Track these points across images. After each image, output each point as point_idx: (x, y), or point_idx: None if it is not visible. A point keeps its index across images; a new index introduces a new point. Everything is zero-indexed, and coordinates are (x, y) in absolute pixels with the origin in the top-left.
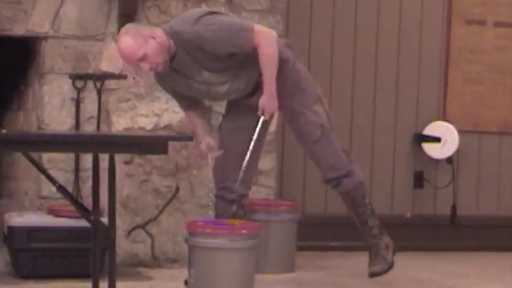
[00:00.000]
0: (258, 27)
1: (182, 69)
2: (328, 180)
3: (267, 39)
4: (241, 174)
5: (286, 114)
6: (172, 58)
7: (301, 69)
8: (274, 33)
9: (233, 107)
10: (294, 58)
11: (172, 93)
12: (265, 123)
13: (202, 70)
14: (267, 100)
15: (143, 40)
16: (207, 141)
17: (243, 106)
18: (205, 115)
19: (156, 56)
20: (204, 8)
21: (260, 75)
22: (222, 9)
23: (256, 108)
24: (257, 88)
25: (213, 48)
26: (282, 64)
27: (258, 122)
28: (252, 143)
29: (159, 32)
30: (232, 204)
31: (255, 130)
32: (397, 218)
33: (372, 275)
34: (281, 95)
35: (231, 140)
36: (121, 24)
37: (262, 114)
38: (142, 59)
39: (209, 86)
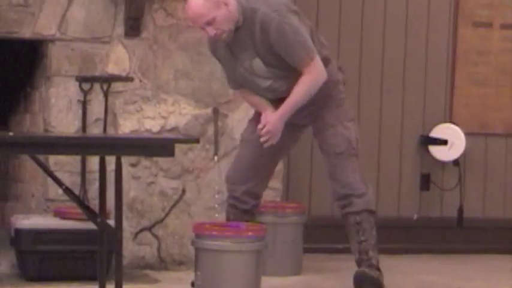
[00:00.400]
0: (318, 61)
1: (236, 48)
2: (339, 197)
3: (317, 75)
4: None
5: (317, 125)
6: (236, 30)
7: (344, 93)
8: (324, 77)
9: (260, 116)
10: (342, 80)
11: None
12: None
13: (255, 57)
14: (275, 120)
15: (215, 4)
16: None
17: None
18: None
19: (224, 23)
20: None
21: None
22: None
23: (291, 118)
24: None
25: (274, 41)
26: (331, 85)
27: (287, 132)
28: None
29: (232, 1)
30: (244, 214)
31: (280, 143)
32: (404, 220)
33: (360, 273)
34: (318, 105)
35: (249, 149)
36: (127, 26)
37: (261, 130)
38: (210, 23)
39: (253, 76)
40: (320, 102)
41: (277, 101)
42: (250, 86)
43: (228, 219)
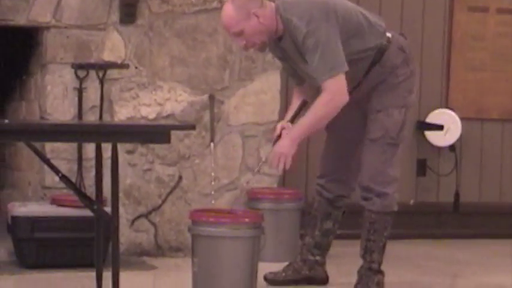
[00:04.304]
0: (338, 79)
1: (287, 52)
2: (362, 188)
3: (334, 95)
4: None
5: (366, 108)
6: (280, 38)
7: (402, 75)
8: (343, 97)
9: None
10: (401, 63)
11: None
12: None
13: (303, 61)
14: (285, 144)
15: (245, 15)
16: (282, 125)
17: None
18: (307, 94)
19: (254, 35)
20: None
21: (365, 71)
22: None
23: (357, 102)
24: (357, 86)
25: (303, 53)
26: (388, 70)
27: (362, 117)
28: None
29: (267, 11)
30: (328, 204)
31: (360, 127)
32: (400, 206)
33: None
34: (367, 89)
35: (334, 137)
36: (123, 13)
37: (273, 162)
38: (239, 34)
39: (307, 76)
40: (373, 86)
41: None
42: (310, 83)
43: (313, 206)
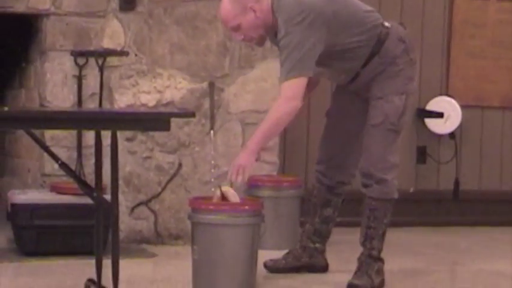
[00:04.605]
0: (296, 84)
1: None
2: (363, 174)
3: (287, 101)
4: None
5: (367, 96)
6: (276, 33)
7: (403, 64)
8: (295, 105)
9: (339, 90)
10: (401, 53)
11: None
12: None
13: None
14: (243, 156)
15: (241, 9)
16: None
17: (346, 90)
18: (313, 87)
19: (250, 29)
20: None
21: (361, 65)
22: None
23: (356, 92)
24: (355, 77)
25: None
26: (388, 61)
27: (362, 105)
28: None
29: (264, 6)
30: (328, 191)
31: (360, 115)
32: (400, 193)
33: (351, 285)
34: (367, 80)
35: (334, 123)
36: (122, 1)
37: (232, 175)
38: (236, 29)
39: None
40: (372, 76)
41: (348, 83)
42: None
43: (312, 193)
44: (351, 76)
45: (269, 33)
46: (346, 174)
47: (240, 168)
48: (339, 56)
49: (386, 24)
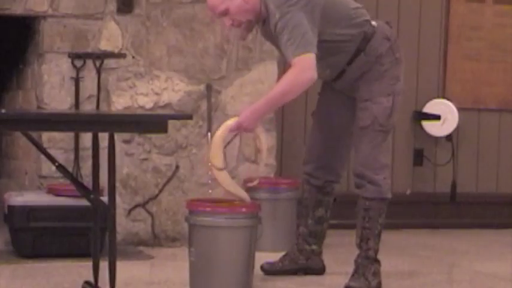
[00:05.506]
0: (307, 58)
1: (271, 36)
2: (356, 174)
3: (302, 70)
4: None
5: (355, 97)
6: (264, 21)
7: (388, 63)
8: (310, 76)
9: (325, 89)
10: (386, 52)
11: None
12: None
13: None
14: (248, 115)
15: None
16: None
17: (332, 89)
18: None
19: (239, 14)
20: None
21: (346, 62)
22: None
23: (342, 91)
24: (341, 74)
25: (275, 34)
26: (372, 59)
27: (348, 104)
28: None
29: None
30: (318, 191)
31: (346, 114)
32: (397, 196)
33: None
34: (356, 78)
35: (320, 124)
36: (120, 3)
37: (232, 127)
38: (224, 13)
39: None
40: (358, 75)
41: (333, 80)
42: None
43: (303, 196)
44: (336, 72)
45: (258, 19)
46: (333, 173)
47: (241, 127)
48: (324, 48)
49: (373, 23)
